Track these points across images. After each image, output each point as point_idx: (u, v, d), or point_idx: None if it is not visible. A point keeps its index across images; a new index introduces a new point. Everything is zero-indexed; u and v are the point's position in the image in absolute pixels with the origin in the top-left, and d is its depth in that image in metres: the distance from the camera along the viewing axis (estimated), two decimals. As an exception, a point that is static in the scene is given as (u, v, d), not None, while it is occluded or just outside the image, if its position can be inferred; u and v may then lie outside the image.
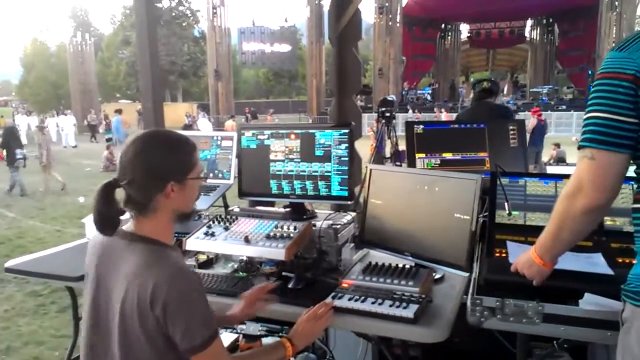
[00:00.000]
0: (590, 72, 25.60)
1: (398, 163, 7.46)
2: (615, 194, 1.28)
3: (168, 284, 1.29)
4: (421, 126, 2.48)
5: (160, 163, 1.39)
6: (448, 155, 2.47)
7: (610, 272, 1.60)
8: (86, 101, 32.55)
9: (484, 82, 4.62)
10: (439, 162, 2.46)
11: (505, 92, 31.94)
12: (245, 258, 2.11)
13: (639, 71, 1.21)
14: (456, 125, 2.54)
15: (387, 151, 8.34)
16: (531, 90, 30.32)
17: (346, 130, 2.16)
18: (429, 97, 29.07)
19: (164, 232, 1.44)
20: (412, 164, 2.45)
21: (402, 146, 8.24)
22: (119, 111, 18.30)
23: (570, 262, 1.61)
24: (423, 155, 2.46)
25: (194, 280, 1.35)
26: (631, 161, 1.30)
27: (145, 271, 1.32)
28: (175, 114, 30.80)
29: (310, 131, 2.22)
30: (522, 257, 1.53)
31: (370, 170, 2.12)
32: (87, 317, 1.47)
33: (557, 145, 11.92)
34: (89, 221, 2.57)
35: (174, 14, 44.99)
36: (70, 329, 4.14)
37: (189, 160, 1.44)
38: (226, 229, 2.08)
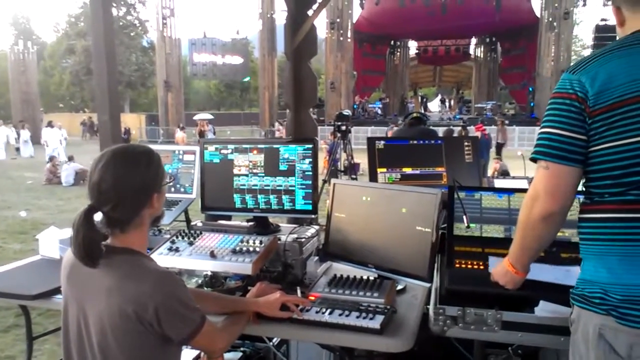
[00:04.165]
0: (530, 89, 26.88)
1: (354, 176, 7.64)
2: (569, 201, 1.39)
3: (154, 290, 1.34)
4: (382, 142, 2.56)
5: (144, 180, 1.43)
6: (408, 170, 2.56)
7: None
8: (27, 111, 31.09)
9: (413, 114, 5.68)
10: (399, 176, 2.55)
11: (451, 107, 33.10)
12: (209, 273, 2.10)
13: (585, 93, 1.32)
14: (415, 142, 2.64)
15: (341, 164, 8.50)
16: (476, 105, 31.50)
17: (310, 145, 2.21)
18: (379, 111, 29.64)
19: (142, 241, 1.48)
20: (373, 178, 2.52)
21: (356, 159, 8.43)
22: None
23: (547, 273, 1.70)
24: (384, 169, 2.55)
25: (175, 279, 1.42)
26: None
27: (127, 283, 1.35)
28: (122, 124, 29.96)
29: (275, 146, 2.25)
30: (497, 267, 1.62)
31: (334, 184, 2.17)
32: (65, 338, 1.48)
33: (499, 159, 12.44)
34: (43, 237, 2.48)
35: (121, 23, 43.90)
36: (15, 349, 3.96)
37: (162, 168, 1.51)
38: (190, 244, 2.07)
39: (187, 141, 22.39)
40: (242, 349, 2.62)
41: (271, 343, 2.59)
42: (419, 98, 32.75)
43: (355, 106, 27.81)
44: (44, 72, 44.71)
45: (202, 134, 25.41)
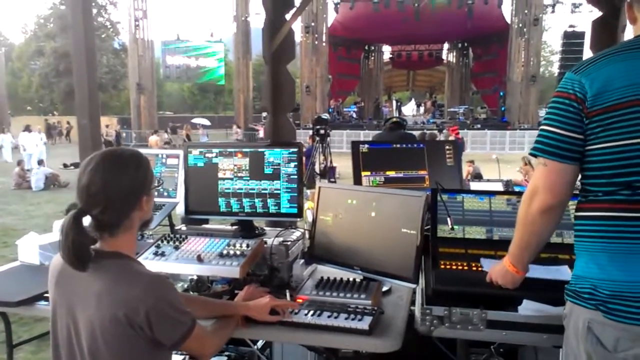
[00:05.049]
0: (501, 94, 27.40)
1: (332, 179, 7.70)
2: (566, 197, 1.45)
3: (145, 294, 1.34)
4: (366, 145, 2.60)
5: (133, 182, 1.43)
6: (391, 173, 2.60)
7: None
8: (-6, 114, 30.31)
9: (393, 118, 5.97)
10: (383, 179, 2.59)
11: (425, 111, 33.52)
12: (195, 277, 2.09)
13: (584, 94, 1.37)
14: (398, 145, 2.69)
15: (317, 167, 8.54)
16: (449, 110, 31.97)
17: (295, 149, 2.23)
18: (354, 115, 29.80)
19: (130, 245, 1.47)
20: (358, 181, 2.55)
21: (334, 162, 8.46)
22: None
23: (540, 272, 1.74)
24: (368, 173, 2.58)
25: (166, 282, 1.43)
26: None
27: (117, 287, 1.35)
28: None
29: (260, 150, 2.26)
30: (496, 268, 1.66)
31: (319, 188, 2.19)
32: (54, 343, 1.47)
33: (472, 162, 12.61)
34: (22, 243, 2.43)
35: (92, 25, 43.12)
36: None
37: (150, 172, 1.52)
38: (176, 248, 2.06)
39: (160, 144, 22.15)
40: (226, 353, 2.61)
41: (255, 346, 2.59)
42: (394, 102, 33.04)
43: (330, 110, 27.92)
44: (11, 74, 43.62)
45: (188, 137, 25.31)
